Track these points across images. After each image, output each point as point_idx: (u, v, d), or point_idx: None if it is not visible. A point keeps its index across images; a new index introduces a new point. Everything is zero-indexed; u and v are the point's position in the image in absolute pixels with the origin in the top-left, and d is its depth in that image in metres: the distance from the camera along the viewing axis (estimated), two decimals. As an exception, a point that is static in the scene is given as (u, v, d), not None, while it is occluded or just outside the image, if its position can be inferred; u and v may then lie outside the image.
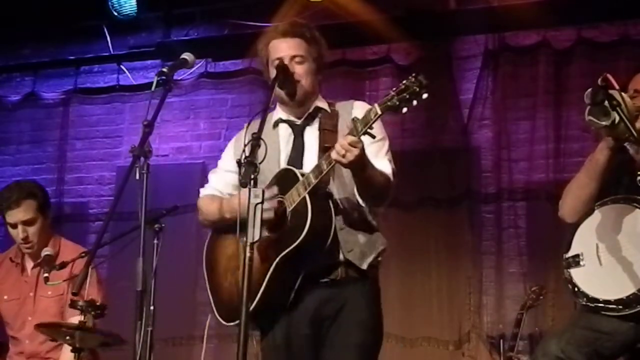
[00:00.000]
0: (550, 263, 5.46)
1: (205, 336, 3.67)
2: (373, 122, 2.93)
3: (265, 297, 3.11)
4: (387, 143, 3.32)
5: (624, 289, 3.19)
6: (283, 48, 3.32)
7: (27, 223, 4.31)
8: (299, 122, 3.37)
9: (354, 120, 2.99)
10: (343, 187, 3.22)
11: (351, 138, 2.95)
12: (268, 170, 3.23)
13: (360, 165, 3.02)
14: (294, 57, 3.30)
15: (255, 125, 3.09)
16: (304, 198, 3.08)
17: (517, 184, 5.99)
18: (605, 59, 5.73)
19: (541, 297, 5.30)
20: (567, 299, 3.55)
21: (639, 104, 3.33)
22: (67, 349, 4.00)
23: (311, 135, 3.34)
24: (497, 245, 5.97)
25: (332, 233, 3.11)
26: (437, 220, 6.07)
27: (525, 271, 5.83)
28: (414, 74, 2.90)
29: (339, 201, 3.21)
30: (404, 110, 2.90)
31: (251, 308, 3.09)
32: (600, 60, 5.73)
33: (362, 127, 2.95)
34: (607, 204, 3.36)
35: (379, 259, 3.30)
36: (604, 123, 3.11)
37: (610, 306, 3.21)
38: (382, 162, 3.23)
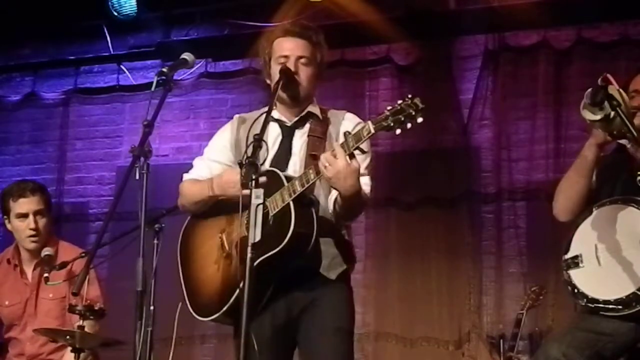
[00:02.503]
0: (550, 263, 5.46)
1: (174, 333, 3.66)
2: (365, 140, 2.92)
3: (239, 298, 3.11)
4: (369, 158, 3.29)
5: (624, 289, 3.19)
6: (290, 47, 3.30)
7: (38, 213, 4.35)
8: (289, 123, 3.36)
9: (346, 134, 2.98)
10: (322, 197, 3.21)
11: (339, 151, 2.94)
12: None
13: (344, 181, 2.99)
14: (300, 57, 3.28)
15: (257, 125, 3.09)
16: (288, 205, 3.06)
17: (517, 184, 5.99)
18: (605, 59, 5.73)
19: (541, 297, 5.30)
20: (567, 298, 3.55)
21: (636, 103, 3.34)
22: (69, 351, 4.00)
23: (299, 139, 3.33)
24: (497, 245, 5.97)
25: (313, 241, 3.09)
26: (437, 220, 6.06)
27: (525, 271, 5.83)
28: (410, 96, 2.88)
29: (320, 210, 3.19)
30: (398, 131, 2.89)
31: (226, 307, 3.16)
32: (600, 60, 5.73)
33: (353, 142, 2.94)
34: (605, 204, 3.36)
35: (349, 271, 3.31)
36: (598, 117, 3.11)
37: (610, 306, 3.21)
38: (361, 177, 3.18)
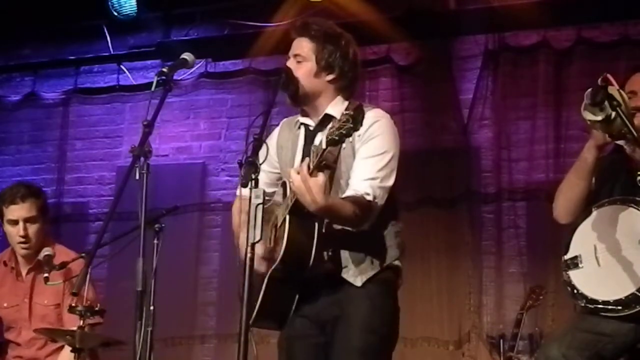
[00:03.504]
0: (550, 263, 5.46)
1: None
2: (321, 156, 2.84)
3: (265, 305, 3.11)
4: (388, 156, 3.16)
5: (623, 290, 3.19)
6: (292, 47, 3.28)
7: (29, 220, 4.30)
8: (312, 127, 3.29)
9: (312, 150, 2.92)
10: None
11: (303, 165, 2.89)
12: (285, 173, 3.25)
13: (303, 197, 2.89)
14: (295, 55, 3.26)
15: (287, 125, 3.09)
16: (285, 217, 3.03)
17: (517, 184, 5.99)
18: (605, 59, 5.72)
19: (541, 297, 5.30)
20: (567, 299, 3.55)
21: (634, 104, 3.33)
22: (66, 350, 3.99)
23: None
24: (497, 245, 5.96)
25: (313, 253, 3.01)
26: (437, 220, 6.06)
27: (525, 271, 5.82)
28: (351, 105, 2.82)
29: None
30: (344, 145, 2.88)
31: (254, 313, 3.13)
32: (600, 60, 5.72)
33: (313, 158, 2.87)
34: (604, 205, 3.36)
35: (382, 273, 3.19)
36: (599, 117, 3.11)
37: (610, 307, 3.21)
38: (365, 182, 3.07)
